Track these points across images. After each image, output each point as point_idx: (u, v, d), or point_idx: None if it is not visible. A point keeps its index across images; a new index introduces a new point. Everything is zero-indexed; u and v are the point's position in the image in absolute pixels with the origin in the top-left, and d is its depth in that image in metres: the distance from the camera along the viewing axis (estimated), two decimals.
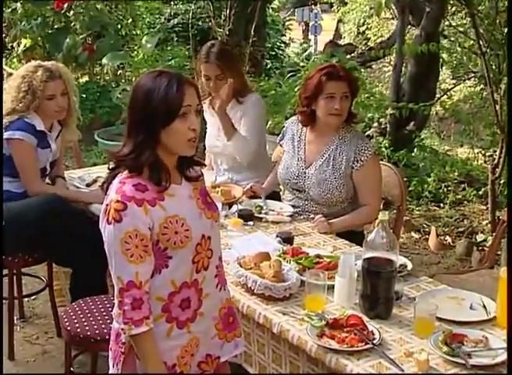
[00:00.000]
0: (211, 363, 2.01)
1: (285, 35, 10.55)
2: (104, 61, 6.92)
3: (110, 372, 1.96)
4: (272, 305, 2.29)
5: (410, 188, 5.25)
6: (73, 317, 2.62)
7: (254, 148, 3.35)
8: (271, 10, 9.58)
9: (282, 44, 10.09)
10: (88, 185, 3.49)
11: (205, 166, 2.18)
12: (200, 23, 7.67)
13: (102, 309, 2.67)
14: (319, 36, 11.38)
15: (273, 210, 3.07)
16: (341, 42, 11.69)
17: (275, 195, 3.29)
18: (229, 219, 2.98)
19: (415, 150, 5.83)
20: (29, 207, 3.11)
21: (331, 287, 2.30)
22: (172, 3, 8.46)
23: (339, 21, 12.75)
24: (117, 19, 7.56)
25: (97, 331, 2.54)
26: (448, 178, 5.54)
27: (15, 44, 7.47)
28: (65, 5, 6.91)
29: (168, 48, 7.54)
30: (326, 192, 2.97)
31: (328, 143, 3.01)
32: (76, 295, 3.00)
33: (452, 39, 5.98)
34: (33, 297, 3.74)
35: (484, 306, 2.25)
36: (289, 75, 7.68)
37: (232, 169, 3.49)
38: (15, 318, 3.39)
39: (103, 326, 2.56)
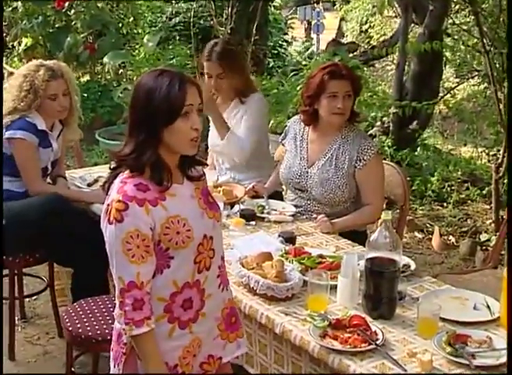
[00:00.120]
0: (214, 364, 2.00)
1: (287, 34, 10.54)
2: (105, 60, 6.92)
3: (111, 372, 1.95)
4: (274, 306, 2.28)
5: (413, 188, 5.24)
6: (75, 317, 2.62)
7: (249, 148, 3.34)
8: (273, 8, 9.56)
9: (285, 43, 10.08)
10: (89, 185, 3.48)
11: (207, 165, 2.17)
12: (201, 21, 7.66)
13: (104, 309, 2.67)
14: (321, 34, 11.37)
15: (275, 210, 3.06)
16: (344, 41, 11.67)
17: (277, 195, 3.29)
18: (231, 218, 2.97)
19: (418, 149, 5.82)
20: (30, 206, 3.11)
21: (334, 288, 2.30)
22: (173, 2, 8.45)
23: (342, 19, 12.74)
24: (118, 17, 7.56)
25: (98, 332, 2.53)
26: (451, 177, 5.53)
27: (16, 44, 7.47)
28: (66, 4, 6.90)
29: (170, 46, 7.54)
30: (329, 192, 2.96)
31: (331, 142, 3.00)
32: (78, 295, 3.00)
33: (455, 37, 5.96)
34: (35, 297, 3.74)
35: (488, 306, 2.25)
36: (291, 74, 7.67)
37: (234, 168, 3.48)
38: (16, 318, 3.39)
39: (104, 326, 2.55)
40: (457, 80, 7.64)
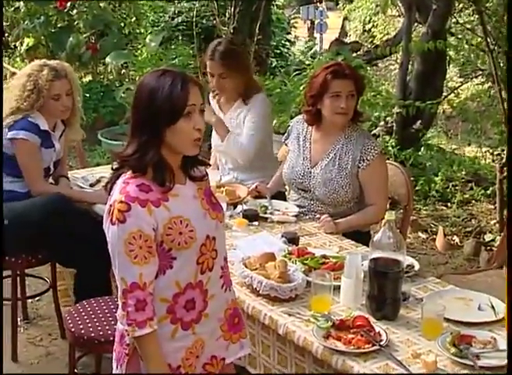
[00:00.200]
0: (217, 365, 2.00)
1: (290, 33, 10.51)
2: (107, 60, 6.91)
3: (114, 373, 1.94)
4: (277, 306, 2.28)
5: (417, 188, 5.23)
6: (77, 318, 2.62)
7: (252, 149, 3.34)
8: (276, 8, 9.53)
9: (288, 43, 10.05)
10: (92, 185, 3.48)
11: (210, 165, 2.17)
12: (204, 21, 7.64)
13: (106, 310, 2.67)
14: (325, 34, 11.35)
15: (278, 210, 3.05)
16: (347, 40, 11.66)
17: (280, 195, 3.28)
18: (233, 219, 2.97)
19: (422, 149, 5.80)
20: (32, 207, 3.11)
21: (337, 288, 2.29)
22: (175, 1, 8.44)
23: (345, 19, 12.72)
24: (120, 17, 7.55)
25: (101, 333, 2.53)
26: (455, 177, 5.51)
27: (18, 44, 7.48)
28: (68, 4, 6.91)
29: (173, 46, 7.51)
30: (332, 192, 2.95)
31: (334, 142, 2.99)
32: (80, 296, 3.01)
33: (459, 36, 5.93)
34: (37, 298, 3.74)
35: (492, 307, 2.24)
36: (294, 73, 7.65)
37: (238, 168, 3.48)
38: (18, 319, 3.38)
39: (107, 327, 2.55)
40: (461, 79, 7.61)
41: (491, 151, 6.08)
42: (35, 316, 3.68)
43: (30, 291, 3.70)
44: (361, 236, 2.89)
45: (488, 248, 4.52)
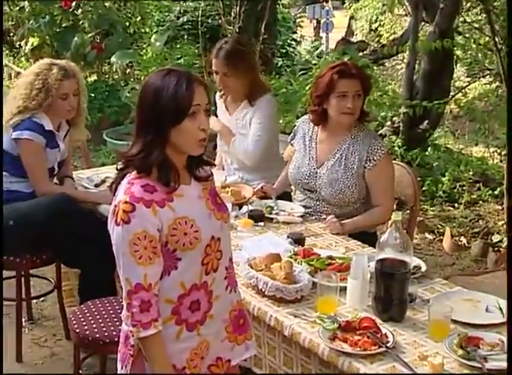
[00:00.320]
0: (222, 366, 1.99)
1: (296, 32, 10.49)
2: (112, 59, 6.91)
3: (119, 374, 1.94)
4: (283, 307, 2.27)
5: (423, 188, 5.21)
6: (82, 319, 2.62)
7: (259, 152, 3.35)
8: (281, 7, 9.52)
9: (293, 42, 10.04)
10: (97, 185, 3.48)
11: (215, 165, 2.16)
12: (209, 20, 7.63)
13: (111, 311, 2.66)
14: (331, 33, 11.32)
15: (284, 211, 3.04)
16: (353, 39, 11.64)
17: (285, 195, 3.27)
18: (239, 219, 2.96)
19: (429, 149, 5.78)
20: (37, 207, 3.10)
21: (343, 289, 2.28)
22: (181, 0, 8.43)
23: (351, 18, 12.69)
24: (126, 17, 7.56)
25: (105, 333, 2.53)
26: (463, 178, 5.49)
27: (23, 43, 7.48)
28: (74, 4, 6.91)
29: (178, 46, 7.51)
30: (338, 192, 2.94)
31: (341, 142, 2.98)
32: (85, 296, 3.01)
33: (467, 36, 5.90)
34: (42, 299, 3.73)
35: (500, 309, 2.22)
36: (300, 73, 7.64)
37: (243, 168, 3.47)
38: (23, 320, 3.38)
39: (112, 328, 2.55)
40: (469, 78, 7.59)
41: (498, 151, 6.06)
42: (40, 316, 3.68)
43: (35, 291, 3.69)
44: (368, 237, 2.88)
45: (496, 249, 4.50)
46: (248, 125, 3.38)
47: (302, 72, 7.60)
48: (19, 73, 5.06)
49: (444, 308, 2.10)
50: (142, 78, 6.74)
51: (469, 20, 5.85)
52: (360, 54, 8.01)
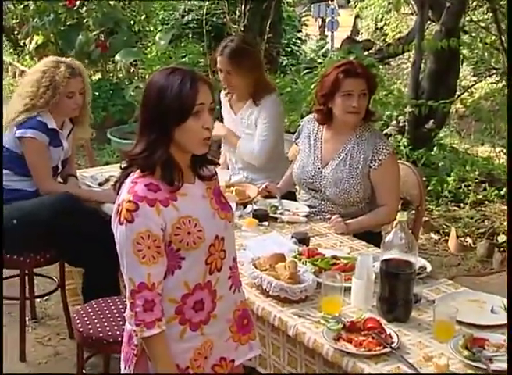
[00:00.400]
0: (226, 366, 1.98)
1: (301, 31, 10.48)
2: (117, 58, 6.91)
3: (122, 374, 1.94)
4: (287, 308, 2.26)
5: (429, 188, 5.19)
6: (85, 318, 2.61)
7: (262, 154, 3.35)
8: (286, 6, 9.51)
9: (298, 41, 10.03)
10: (100, 184, 3.47)
11: (219, 164, 2.15)
12: (214, 19, 7.62)
13: (115, 310, 2.66)
14: (336, 32, 11.31)
15: (289, 210, 3.03)
16: (359, 38, 11.61)
17: (290, 195, 3.26)
18: (243, 219, 2.95)
19: (434, 149, 5.76)
20: (41, 206, 3.10)
21: (348, 289, 2.27)
22: None
23: (357, 17, 12.67)
24: (130, 15, 7.56)
25: (109, 333, 2.52)
26: (468, 177, 5.46)
27: (27, 41, 7.48)
28: (78, 2, 6.91)
29: (182, 44, 7.51)
30: (343, 192, 2.93)
31: (346, 142, 2.97)
32: (88, 295, 3.00)
33: (473, 35, 5.89)
34: (45, 297, 3.73)
35: (506, 309, 2.20)
36: (304, 72, 7.62)
37: (248, 168, 3.46)
38: (26, 319, 3.38)
39: (115, 327, 2.54)
40: (475, 78, 7.56)
41: (505, 150, 6.03)
42: (43, 315, 3.68)
43: (39, 290, 3.69)
44: (373, 237, 2.87)
45: (502, 249, 4.48)
46: (253, 125, 3.38)
47: (307, 71, 7.59)
48: (23, 72, 5.06)
49: (449, 309, 2.09)
50: (146, 77, 6.74)
51: (475, 19, 5.84)
52: (366, 53, 7.99)
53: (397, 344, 2.01)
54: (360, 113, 2.92)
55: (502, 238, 4.66)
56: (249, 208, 3.03)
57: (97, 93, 6.65)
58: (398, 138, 5.68)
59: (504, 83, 6.16)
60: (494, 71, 6.12)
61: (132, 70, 7.50)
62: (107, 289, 2.91)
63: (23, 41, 7.63)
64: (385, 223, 3.03)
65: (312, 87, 5.74)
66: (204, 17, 6.84)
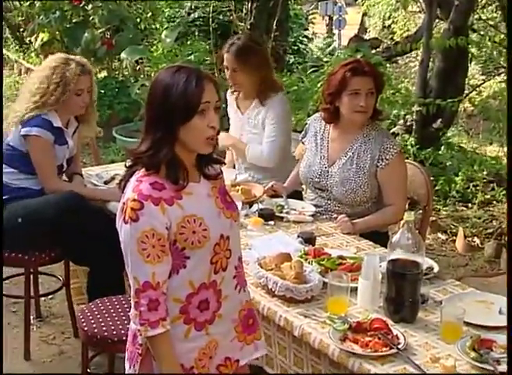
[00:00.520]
0: (230, 366, 1.98)
1: (308, 29, 10.46)
2: (122, 55, 6.90)
3: (127, 373, 1.93)
4: (293, 308, 2.26)
5: (436, 188, 5.16)
6: (90, 317, 2.61)
7: (271, 156, 3.34)
8: (293, 4, 9.48)
9: (305, 39, 10.00)
10: (106, 182, 3.47)
11: (225, 164, 2.14)
12: (221, 16, 7.59)
13: (119, 309, 2.66)
14: (343, 30, 11.27)
15: (295, 209, 3.02)
16: (366, 36, 11.58)
17: (296, 194, 3.25)
18: (249, 218, 2.94)
19: (442, 148, 5.73)
20: (46, 204, 3.10)
21: (354, 290, 2.27)
22: None
23: (364, 15, 12.62)
24: (136, 12, 7.56)
25: (114, 332, 2.52)
26: (476, 177, 5.44)
27: (32, 39, 7.48)
28: None
29: (188, 42, 7.50)
30: (350, 191, 2.91)
31: (353, 141, 2.95)
32: (93, 294, 3.00)
33: (481, 33, 5.85)
34: (50, 296, 3.72)
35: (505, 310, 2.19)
36: (311, 70, 7.60)
37: (254, 167, 3.46)
38: (31, 317, 3.37)
39: (120, 326, 2.54)
40: (483, 77, 7.52)
41: None
42: (48, 314, 3.67)
43: (44, 288, 3.69)
44: (379, 237, 2.86)
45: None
46: (260, 125, 3.37)
47: (313, 69, 7.56)
48: (28, 69, 5.07)
49: (457, 310, 2.08)
50: (152, 75, 6.71)
51: (484, 17, 5.79)
52: (373, 51, 7.97)
53: (404, 345, 2.00)
54: (368, 112, 2.91)
55: None
56: (255, 207, 3.02)
57: (102, 91, 6.62)
58: (405, 137, 5.65)
59: None
60: (503, 70, 6.08)
61: (138, 68, 7.50)
62: (112, 288, 2.91)
63: (28, 39, 7.64)
64: (392, 223, 3.02)
65: (319, 85, 5.72)
66: (210, 15, 6.83)
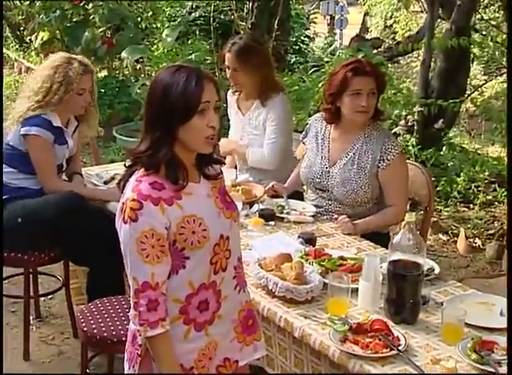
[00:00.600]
0: (230, 367, 1.98)
1: (309, 29, 10.46)
2: (123, 55, 6.89)
3: (126, 374, 1.93)
4: (293, 309, 2.25)
5: (438, 188, 5.16)
6: (90, 318, 2.61)
7: (272, 158, 3.34)
8: (295, 3, 9.47)
9: (307, 39, 10.01)
10: (106, 182, 3.46)
11: (225, 164, 2.14)
12: (222, 16, 7.60)
13: (119, 310, 2.65)
14: (345, 30, 11.27)
15: (295, 210, 3.01)
16: (367, 36, 11.58)
17: (297, 195, 3.24)
18: (249, 218, 2.94)
19: (444, 148, 5.72)
20: (46, 204, 3.09)
21: (355, 291, 2.26)
22: None
23: (366, 14, 12.62)
24: (137, 12, 7.56)
25: (113, 332, 2.52)
26: (478, 178, 5.43)
27: (33, 38, 7.47)
28: None
29: (189, 41, 7.50)
30: (351, 192, 2.91)
31: (354, 141, 2.94)
32: (93, 294, 2.99)
33: (484, 33, 5.84)
34: (50, 296, 3.72)
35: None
36: (312, 70, 7.59)
37: (255, 168, 3.44)
38: (31, 318, 3.37)
39: (120, 327, 2.54)
40: (485, 77, 7.52)
41: None
42: (47, 314, 3.67)
43: (43, 289, 3.68)
44: (380, 237, 2.85)
45: None
46: (261, 126, 3.37)
47: (315, 69, 7.55)
48: (29, 68, 5.06)
49: (458, 312, 2.07)
50: (153, 74, 6.71)
51: (486, 17, 5.78)
52: (375, 51, 7.97)
53: (404, 346, 2.00)
54: (369, 112, 2.90)
55: None
56: (255, 207, 3.02)
57: (103, 90, 6.61)
58: (407, 138, 5.65)
59: None
60: (505, 70, 6.07)
61: (138, 67, 7.49)
62: (111, 288, 2.91)
63: (28, 38, 7.62)
64: (393, 224, 3.01)
65: (320, 85, 5.72)
66: (211, 14, 6.83)
